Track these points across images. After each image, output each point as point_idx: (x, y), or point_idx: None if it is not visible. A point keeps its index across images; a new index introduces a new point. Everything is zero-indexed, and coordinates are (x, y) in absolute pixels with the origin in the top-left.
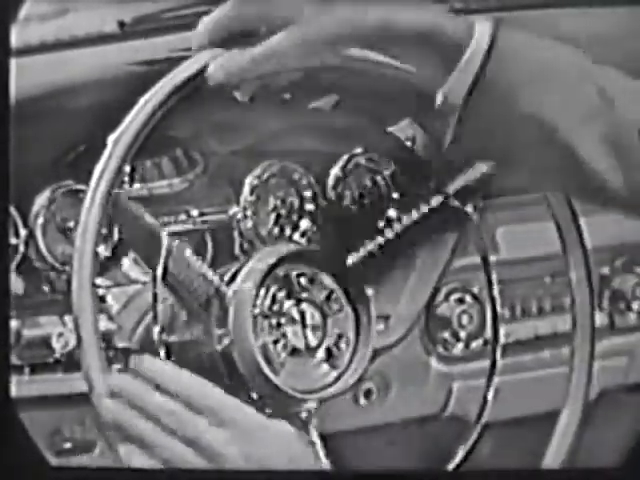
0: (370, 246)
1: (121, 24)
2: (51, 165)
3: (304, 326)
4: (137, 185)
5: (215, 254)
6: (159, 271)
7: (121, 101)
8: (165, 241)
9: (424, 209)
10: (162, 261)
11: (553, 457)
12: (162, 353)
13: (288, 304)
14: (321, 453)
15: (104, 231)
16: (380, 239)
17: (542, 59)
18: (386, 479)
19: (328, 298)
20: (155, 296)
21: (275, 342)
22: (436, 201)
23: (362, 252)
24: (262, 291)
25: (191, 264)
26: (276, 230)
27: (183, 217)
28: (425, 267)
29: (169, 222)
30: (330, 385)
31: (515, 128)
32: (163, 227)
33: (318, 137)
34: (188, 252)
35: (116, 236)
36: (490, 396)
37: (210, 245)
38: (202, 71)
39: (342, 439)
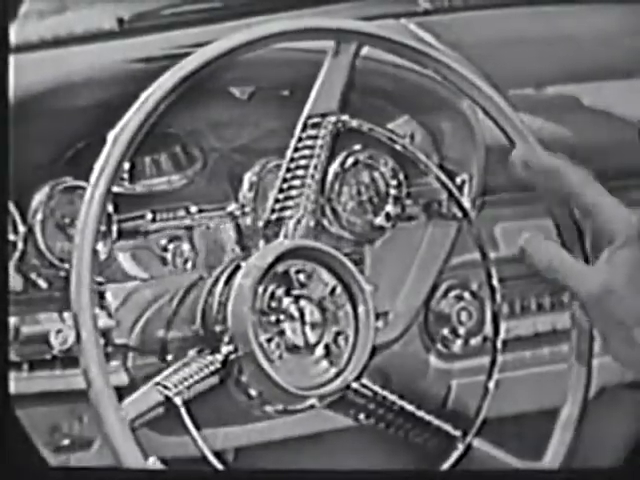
0: None
1: (120, 21)
2: (50, 162)
3: (303, 323)
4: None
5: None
6: None
7: (120, 98)
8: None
9: None
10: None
11: (553, 455)
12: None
13: (287, 301)
14: None
15: (103, 228)
16: None
17: None
18: (385, 478)
19: (332, 294)
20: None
21: (273, 339)
22: None
23: None
24: (260, 288)
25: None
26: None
27: (182, 214)
28: (424, 264)
29: (168, 218)
30: (330, 382)
31: None
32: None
33: None
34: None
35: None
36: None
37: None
38: (202, 68)
39: (341, 436)
